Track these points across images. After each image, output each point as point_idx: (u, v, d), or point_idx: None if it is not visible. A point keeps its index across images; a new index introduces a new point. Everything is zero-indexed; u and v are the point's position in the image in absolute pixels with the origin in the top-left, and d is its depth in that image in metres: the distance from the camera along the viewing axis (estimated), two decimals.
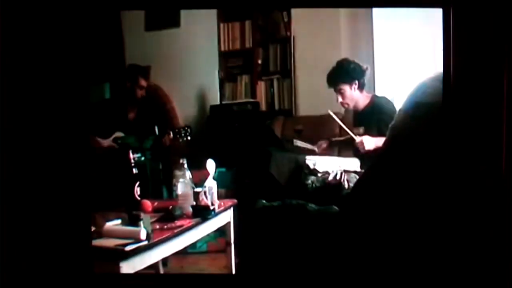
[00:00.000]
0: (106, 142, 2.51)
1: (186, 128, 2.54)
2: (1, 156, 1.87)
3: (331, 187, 2.36)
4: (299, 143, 2.62)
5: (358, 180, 2.31)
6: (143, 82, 2.61)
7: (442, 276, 1.84)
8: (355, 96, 2.55)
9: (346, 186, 2.34)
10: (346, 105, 2.57)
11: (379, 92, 2.61)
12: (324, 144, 2.61)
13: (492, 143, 1.78)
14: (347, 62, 2.51)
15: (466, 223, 1.81)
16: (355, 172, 2.40)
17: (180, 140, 2.53)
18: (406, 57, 2.43)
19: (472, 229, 1.81)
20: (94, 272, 1.90)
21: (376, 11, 2.60)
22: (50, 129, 1.90)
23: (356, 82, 2.52)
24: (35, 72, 1.90)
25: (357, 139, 2.46)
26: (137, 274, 1.88)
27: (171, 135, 2.54)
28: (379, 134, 2.44)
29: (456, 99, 1.80)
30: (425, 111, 1.82)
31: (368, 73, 2.54)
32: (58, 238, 1.91)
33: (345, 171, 2.39)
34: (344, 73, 2.51)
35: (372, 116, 2.51)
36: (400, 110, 2.11)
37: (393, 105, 2.51)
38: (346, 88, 2.53)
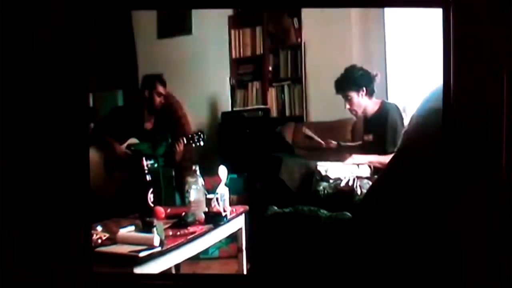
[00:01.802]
0: (121, 148, 2.54)
1: (199, 133, 2.56)
2: (2, 160, 1.89)
3: (343, 194, 2.35)
4: (307, 131, 2.62)
5: (371, 186, 2.30)
6: (161, 89, 2.62)
7: (447, 278, 1.84)
8: (363, 103, 2.54)
9: (359, 192, 2.33)
10: (354, 112, 2.57)
11: (391, 98, 2.61)
12: (332, 143, 2.60)
13: (492, 143, 1.77)
14: (355, 69, 2.51)
15: (468, 225, 1.81)
16: (367, 178, 2.40)
17: (193, 145, 2.55)
18: (419, 63, 2.42)
19: (474, 231, 1.81)
20: (98, 273, 1.90)
21: (388, 17, 2.61)
22: (52, 133, 1.91)
23: (364, 89, 2.52)
24: (39, 78, 1.91)
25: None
26: (150, 274, 1.90)
27: (184, 141, 2.56)
28: (387, 140, 2.45)
29: (456, 100, 1.80)
30: (439, 117, 1.81)
31: (377, 79, 2.53)
32: (59, 239, 1.92)
33: (358, 177, 2.38)
34: (352, 80, 2.51)
35: (381, 123, 2.51)
36: (413, 116, 2.10)
37: (402, 111, 2.51)
38: (353, 95, 2.53)
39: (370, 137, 2.56)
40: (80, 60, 1.90)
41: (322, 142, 2.59)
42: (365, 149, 2.54)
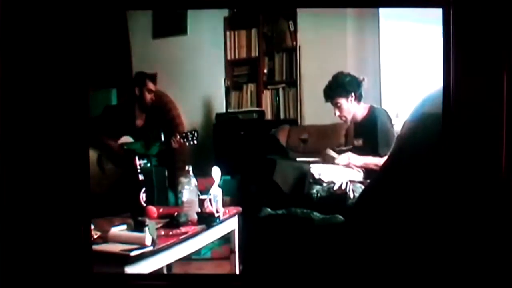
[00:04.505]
0: (115, 145, 2.53)
1: (193, 132, 2.56)
2: (2, 160, 1.87)
3: (336, 197, 2.36)
4: (302, 160, 2.63)
5: (363, 190, 2.31)
6: (152, 86, 2.62)
7: (446, 279, 1.85)
8: (352, 109, 2.55)
9: (352, 196, 2.34)
10: (343, 118, 2.58)
11: (385, 104, 2.63)
12: (329, 154, 2.60)
13: (492, 143, 1.79)
14: (343, 75, 2.52)
15: (468, 225, 1.82)
16: (360, 182, 2.41)
17: (187, 144, 2.54)
18: (414, 68, 2.44)
19: (474, 231, 1.82)
20: (93, 273, 1.89)
21: (383, 22, 2.63)
22: (51, 133, 1.90)
23: (353, 94, 2.53)
24: (37, 77, 1.90)
25: (337, 157, 2.49)
26: (141, 274, 1.89)
27: (178, 137, 2.56)
28: (380, 143, 2.46)
29: (456, 100, 1.81)
30: (433, 122, 1.83)
31: (364, 84, 2.54)
32: (58, 239, 1.90)
33: (351, 181, 2.39)
34: (340, 86, 2.51)
35: (371, 127, 2.52)
36: (406, 121, 2.12)
37: (393, 116, 2.52)
38: (342, 101, 2.54)
39: (360, 142, 2.57)
40: (78, 60, 1.90)
41: (319, 160, 2.59)
42: (355, 154, 2.55)
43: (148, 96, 2.63)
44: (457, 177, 1.81)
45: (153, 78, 2.62)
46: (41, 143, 1.89)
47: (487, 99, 1.78)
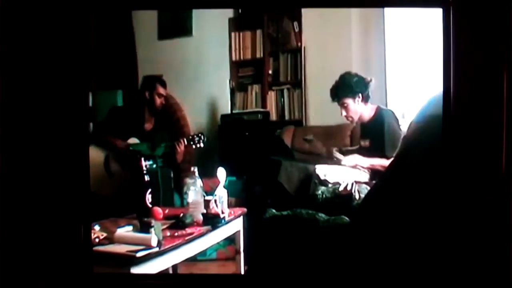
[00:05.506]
0: (123, 146, 2.54)
1: (200, 135, 2.57)
2: (2, 159, 1.89)
3: (341, 198, 2.36)
4: (319, 144, 2.62)
5: (369, 191, 2.31)
6: (162, 90, 2.63)
7: (448, 279, 1.84)
8: (359, 110, 2.55)
9: (357, 197, 2.34)
10: (350, 119, 2.57)
11: (390, 104, 2.62)
12: (335, 157, 2.59)
13: (492, 144, 1.78)
14: (350, 75, 2.51)
15: (469, 225, 1.81)
16: (366, 183, 2.41)
17: (194, 147, 2.56)
18: (419, 69, 2.43)
19: (474, 231, 1.81)
20: (95, 273, 1.89)
21: (388, 22, 2.62)
22: (52, 133, 1.90)
23: (360, 95, 2.52)
24: (39, 78, 1.90)
25: (343, 159, 2.49)
26: (146, 274, 1.90)
27: (185, 142, 2.57)
28: (387, 145, 2.45)
29: (456, 100, 1.81)
30: (439, 123, 1.83)
31: (372, 85, 2.53)
32: (58, 239, 1.91)
33: (356, 182, 2.39)
34: (348, 87, 2.50)
35: (378, 128, 2.51)
36: (412, 122, 2.12)
37: (400, 117, 2.52)
38: (349, 102, 2.53)
39: (367, 143, 2.57)
40: (80, 60, 1.90)
41: (324, 153, 2.59)
42: (362, 154, 2.55)
43: (158, 100, 2.64)
44: (458, 178, 1.81)
45: (163, 82, 2.63)
46: (41, 143, 1.89)
47: (487, 99, 1.77)
